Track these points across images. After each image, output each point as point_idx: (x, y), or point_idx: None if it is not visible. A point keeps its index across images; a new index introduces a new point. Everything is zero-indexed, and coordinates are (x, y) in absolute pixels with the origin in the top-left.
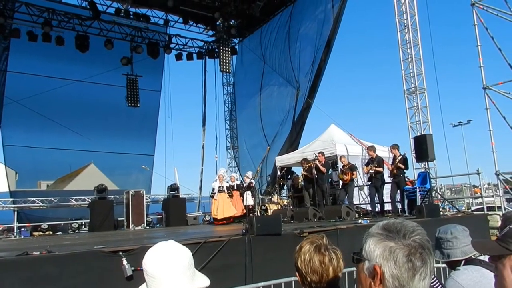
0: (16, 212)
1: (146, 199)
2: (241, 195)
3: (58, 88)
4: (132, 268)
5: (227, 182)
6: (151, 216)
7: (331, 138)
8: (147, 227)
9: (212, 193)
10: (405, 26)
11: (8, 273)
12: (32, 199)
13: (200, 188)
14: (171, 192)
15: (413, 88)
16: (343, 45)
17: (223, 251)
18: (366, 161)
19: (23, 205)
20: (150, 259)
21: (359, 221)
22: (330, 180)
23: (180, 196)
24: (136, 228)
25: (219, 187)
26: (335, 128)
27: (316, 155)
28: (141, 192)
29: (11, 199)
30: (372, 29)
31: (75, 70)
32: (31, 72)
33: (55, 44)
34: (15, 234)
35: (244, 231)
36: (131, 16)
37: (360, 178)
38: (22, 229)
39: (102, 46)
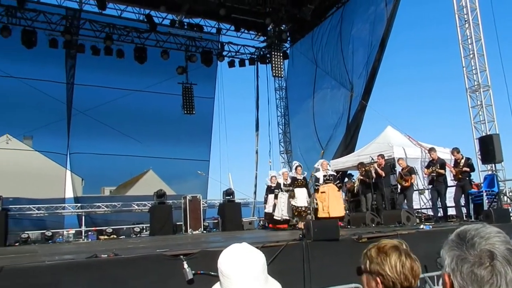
0: (83, 217)
1: (203, 204)
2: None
3: (119, 98)
4: (193, 271)
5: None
6: (207, 221)
7: (388, 141)
8: (204, 232)
9: (271, 189)
10: (466, 21)
11: (79, 274)
12: (98, 204)
13: (255, 193)
14: (226, 197)
15: (476, 86)
16: (397, 43)
17: (281, 256)
18: (426, 163)
19: (90, 210)
20: (226, 260)
21: (421, 226)
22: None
23: (236, 201)
24: (194, 232)
25: (325, 176)
26: (392, 130)
27: (373, 159)
28: (197, 197)
29: (79, 204)
30: (428, 25)
31: (134, 80)
32: (95, 84)
33: (116, 57)
34: (83, 237)
35: (301, 236)
36: (185, 27)
37: (420, 181)
38: (89, 233)
39: (158, 56)
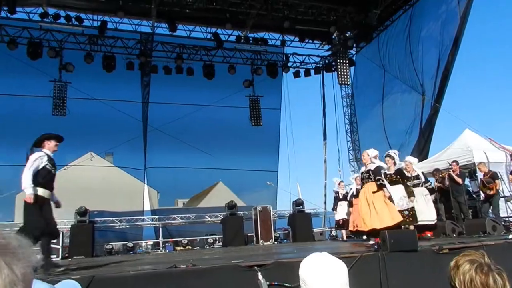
0: (160, 228)
1: (273, 214)
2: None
3: (190, 113)
4: (267, 283)
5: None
6: (278, 232)
7: (466, 145)
8: (275, 243)
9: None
10: None
11: (160, 283)
12: (173, 216)
13: (325, 202)
14: (296, 207)
15: None
16: (472, 37)
17: (356, 268)
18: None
19: (167, 222)
20: (309, 269)
21: (509, 236)
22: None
23: (306, 211)
24: (265, 243)
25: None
26: (470, 133)
27: (450, 164)
28: (267, 208)
29: (156, 217)
30: (504, 18)
31: (204, 96)
32: (167, 101)
33: (186, 75)
34: (160, 248)
35: (376, 247)
36: (251, 41)
37: (506, 187)
38: (167, 244)
39: (226, 72)
